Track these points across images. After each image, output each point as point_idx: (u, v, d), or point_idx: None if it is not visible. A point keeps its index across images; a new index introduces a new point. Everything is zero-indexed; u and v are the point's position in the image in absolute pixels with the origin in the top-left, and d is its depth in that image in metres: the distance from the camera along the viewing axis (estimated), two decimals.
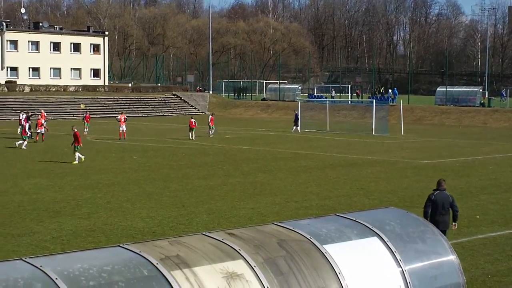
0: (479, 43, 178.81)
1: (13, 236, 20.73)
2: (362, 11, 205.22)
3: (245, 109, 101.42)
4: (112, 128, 59.37)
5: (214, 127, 59.25)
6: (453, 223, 18.22)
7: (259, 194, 29.10)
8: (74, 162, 38.96)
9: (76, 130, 40.24)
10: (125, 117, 57.34)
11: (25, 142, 47.42)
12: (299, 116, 67.37)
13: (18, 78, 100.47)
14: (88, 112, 67.22)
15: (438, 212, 17.85)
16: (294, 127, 66.14)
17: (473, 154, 46.75)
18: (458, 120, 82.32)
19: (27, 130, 49.62)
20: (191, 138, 55.30)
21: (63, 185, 30.82)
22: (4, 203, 26.08)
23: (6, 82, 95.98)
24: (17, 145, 47.71)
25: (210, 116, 60.62)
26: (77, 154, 39.46)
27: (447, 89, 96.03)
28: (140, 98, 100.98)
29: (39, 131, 52.04)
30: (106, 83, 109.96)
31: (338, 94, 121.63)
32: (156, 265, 7.76)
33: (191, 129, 55.86)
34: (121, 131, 55.46)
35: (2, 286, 6.88)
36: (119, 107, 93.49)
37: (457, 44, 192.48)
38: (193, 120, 56.66)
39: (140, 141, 53.35)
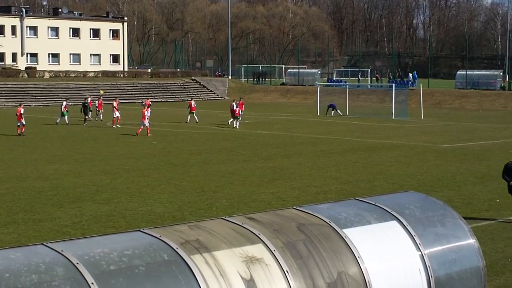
0: (499, 26, 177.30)
1: (34, 221, 20.89)
2: None
3: (264, 94, 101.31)
4: (133, 114, 59.51)
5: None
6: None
7: (279, 179, 29.13)
8: None
9: None
10: (149, 103, 57.63)
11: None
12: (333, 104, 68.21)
13: (38, 64, 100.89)
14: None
15: (510, 177, 21.05)
16: (333, 111, 66.98)
17: (493, 138, 46.54)
18: (478, 104, 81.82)
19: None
20: (235, 126, 52.82)
21: (83, 171, 30.98)
22: (25, 189, 26.26)
23: (26, 68, 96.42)
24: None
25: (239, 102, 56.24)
26: None
27: (467, 72, 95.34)
28: (159, 84, 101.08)
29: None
30: (126, 69, 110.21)
31: (363, 78, 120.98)
32: (176, 250, 7.80)
33: (234, 117, 53.38)
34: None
35: (24, 270, 6.95)
36: (138, 92, 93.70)
37: (477, 27, 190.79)
38: (236, 109, 53.34)
39: (159, 127, 53.46)
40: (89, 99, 59.65)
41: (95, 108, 59.21)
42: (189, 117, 57.28)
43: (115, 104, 54.41)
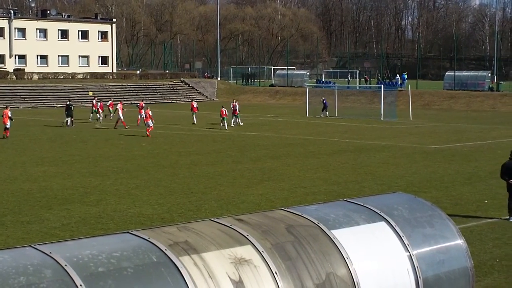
0: (487, 27, 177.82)
1: (23, 223, 20.83)
2: None
3: (253, 95, 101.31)
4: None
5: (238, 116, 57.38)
6: (510, 180, 21.63)
7: (267, 180, 29.13)
8: None
9: None
10: (143, 104, 58.33)
11: None
12: (326, 103, 68.87)
13: (26, 66, 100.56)
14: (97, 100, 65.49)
15: (509, 176, 21.62)
16: (322, 111, 67.83)
17: (481, 139, 46.68)
18: (466, 105, 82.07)
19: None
20: (221, 127, 53.41)
21: (71, 173, 30.91)
22: (13, 191, 26.18)
23: (15, 70, 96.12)
24: None
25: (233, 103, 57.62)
26: None
27: (456, 73, 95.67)
28: (148, 85, 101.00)
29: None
30: (114, 70, 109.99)
31: (352, 79, 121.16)
32: (165, 251, 7.79)
33: (222, 118, 53.80)
34: (139, 118, 55.94)
35: (12, 272, 6.92)
36: (127, 94, 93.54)
37: (465, 28, 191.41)
38: (223, 109, 53.91)
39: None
40: (94, 101, 61.76)
41: (98, 110, 59.97)
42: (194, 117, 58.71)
43: (119, 106, 55.69)
